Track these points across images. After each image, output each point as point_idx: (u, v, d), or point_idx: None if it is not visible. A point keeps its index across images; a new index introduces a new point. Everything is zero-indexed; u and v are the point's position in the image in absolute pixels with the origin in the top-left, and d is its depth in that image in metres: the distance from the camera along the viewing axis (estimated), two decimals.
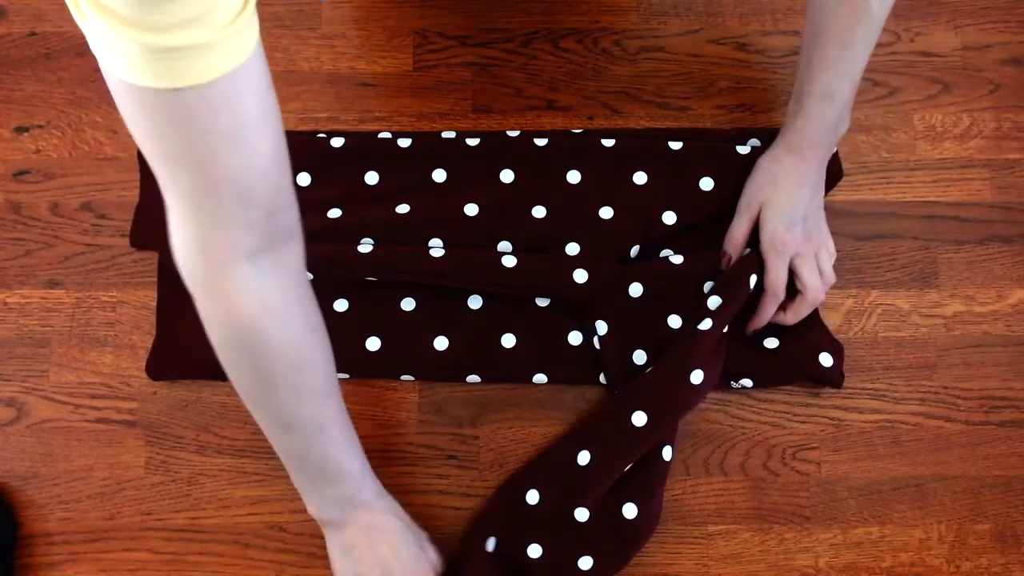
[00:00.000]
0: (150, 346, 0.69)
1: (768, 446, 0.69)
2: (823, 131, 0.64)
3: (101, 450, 0.69)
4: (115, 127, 0.74)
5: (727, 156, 0.70)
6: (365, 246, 0.68)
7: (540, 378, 0.68)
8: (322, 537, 0.67)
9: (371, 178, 0.71)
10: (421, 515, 0.68)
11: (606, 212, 0.70)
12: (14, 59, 0.75)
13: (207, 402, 0.69)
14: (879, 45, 0.75)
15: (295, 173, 0.70)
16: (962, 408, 0.69)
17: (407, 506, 0.68)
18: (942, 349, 0.70)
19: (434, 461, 0.69)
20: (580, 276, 0.67)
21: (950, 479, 0.68)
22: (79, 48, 0.75)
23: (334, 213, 0.70)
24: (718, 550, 0.67)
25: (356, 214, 0.70)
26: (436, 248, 0.68)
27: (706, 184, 0.70)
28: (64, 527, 0.68)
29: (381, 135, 0.72)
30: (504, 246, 0.69)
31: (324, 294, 0.65)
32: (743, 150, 0.70)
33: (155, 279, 0.71)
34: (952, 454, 0.69)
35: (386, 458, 0.69)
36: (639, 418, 0.63)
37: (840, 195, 0.73)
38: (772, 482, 0.68)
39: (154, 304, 0.70)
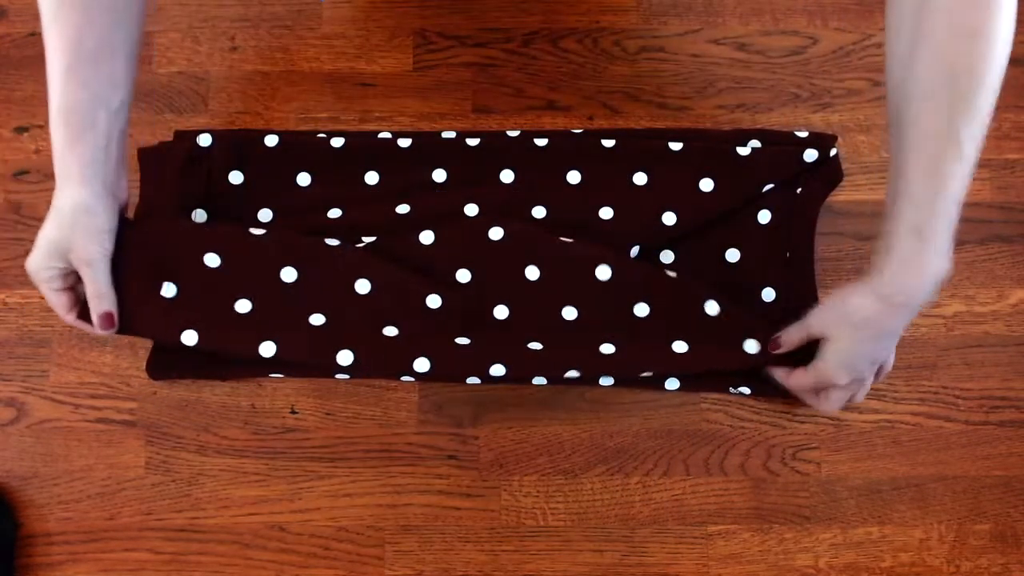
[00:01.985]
0: (150, 346, 0.69)
1: (768, 446, 0.69)
2: (917, 276, 0.53)
3: (101, 450, 0.69)
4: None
5: (727, 157, 0.70)
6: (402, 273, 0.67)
7: (540, 379, 0.68)
8: (322, 537, 0.67)
9: (371, 178, 0.71)
10: (421, 515, 0.68)
11: (606, 212, 0.70)
12: (14, 59, 0.75)
13: (207, 402, 0.69)
14: (879, 45, 0.75)
15: (295, 173, 0.71)
16: (962, 408, 0.69)
17: (407, 506, 0.68)
18: (942, 349, 0.70)
19: (434, 461, 0.69)
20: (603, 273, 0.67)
21: (950, 479, 0.68)
22: None
23: (334, 213, 0.70)
24: (718, 550, 0.68)
25: (356, 214, 0.70)
26: (463, 272, 0.67)
27: (706, 185, 0.70)
28: (64, 527, 0.68)
29: (381, 135, 0.72)
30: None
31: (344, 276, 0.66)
32: (743, 151, 0.70)
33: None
34: (952, 454, 0.69)
35: (386, 458, 0.69)
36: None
37: (840, 195, 0.73)
38: (772, 482, 0.68)
39: None
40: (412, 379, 0.69)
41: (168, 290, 0.64)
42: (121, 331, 0.63)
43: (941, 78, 0.50)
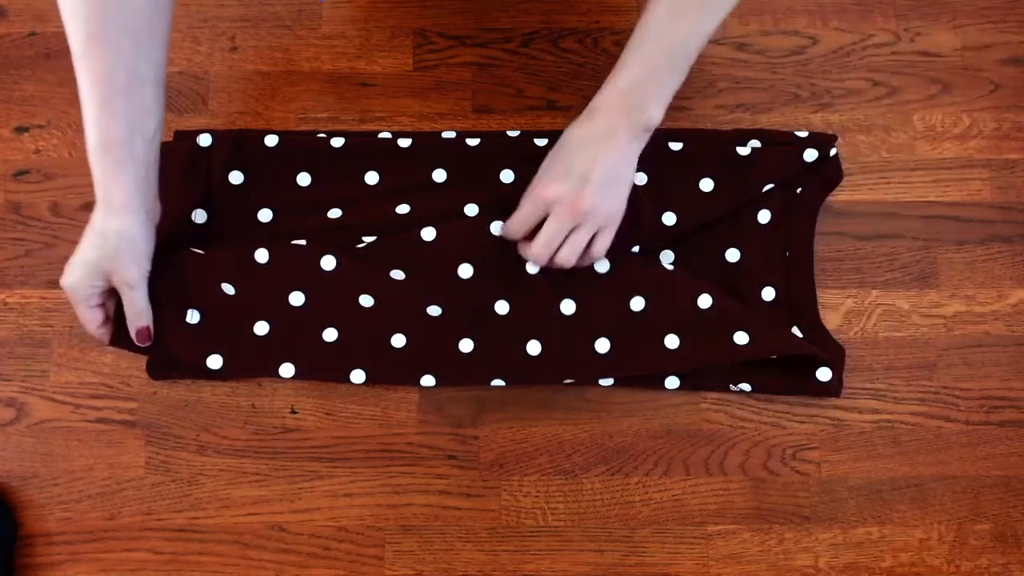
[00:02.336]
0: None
1: (768, 446, 0.69)
2: (624, 96, 0.59)
3: (101, 450, 0.69)
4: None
5: (727, 157, 0.70)
6: (397, 273, 0.68)
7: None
8: (322, 537, 0.67)
9: (371, 178, 0.71)
10: (421, 515, 0.68)
11: None
12: (14, 59, 0.75)
13: (207, 402, 0.69)
14: (879, 45, 0.75)
15: (296, 173, 0.71)
16: (962, 408, 0.69)
17: (407, 506, 0.68)
18: (942, 349, 0.70)
19: (434, 461, 0.69)
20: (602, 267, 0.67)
21: (950, 479, 0.68)
22: None
23: (334, 213, 0.70)
24: (718, 550, 0.67)
25: (356, 214, 0.70)
26: (465, 267, 0.68)
27: (706, 185, 0.70)
28: (64, 527, 0.68)
29: (381, 135, 0.72)
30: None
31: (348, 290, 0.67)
32: (743, 151, 0.70)
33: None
34: (952, 454, 0.69)
35: (386, 458, 0.69)
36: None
37: (840, 195, 0.73)
38: (772, 482, 0.68)
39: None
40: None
41: (193, 317, 0.66)
42: (151, 350, 0.66)
43: None
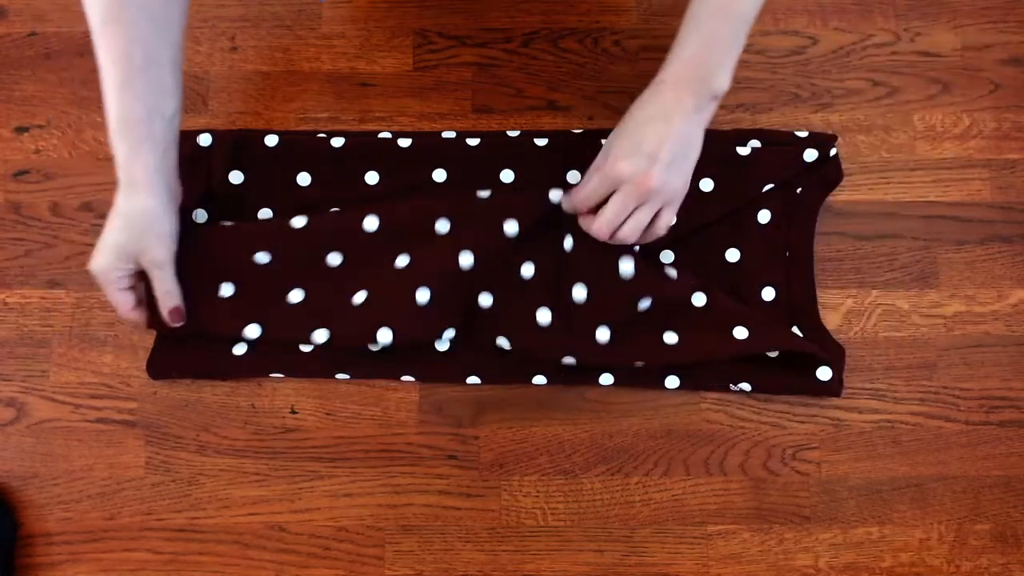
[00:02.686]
0: (150, 346, 0.69)
1: (768, 446, 0.69)
2: (689, 67, 0.59)
3: (101, 450, 0.69)
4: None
5: (727, 157, 0.70)
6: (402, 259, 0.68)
7: (540, 379, 0.68)
8: (322, 537, 0.67)
9: (371, 178, 0.71)
10: (421, 515, 0.68)
11: None
12: (14, 59, 0.75)
13: (207, 402, 0.69)
14: (879, 45, 0.75)
15: (296, 172, 0.71)
16: (962, 408, 0.69)
17: (407, 506, 0.68)
18: (942, 349, 0.70)
19: (434, 461, 0.69)
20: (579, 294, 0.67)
21: (950, 479, 0.68)
22: (79, 48, 0.75)
23: (264, 215, 0.71)
24: (718, 550, 0.67)
25: (356, 214, 0.70)
26: (465, 255, 0.68)
27: (706, 185, 0.70)
28: (64, 527, 0.68)
29: (381, 135, 0.72)
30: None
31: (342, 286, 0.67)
32: (743, 151, 0.70)
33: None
34: (952, 454, 0.69)
35: (386, 458, 0.69)
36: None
37: (840, 195, 0.73)
38: (772, 482, 0.68)
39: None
40: (412, 379, 0.69)
41: (226, 290, 0.67)
42: (186, 328, 0.66)
43: None
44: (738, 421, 0.69)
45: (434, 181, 0.71)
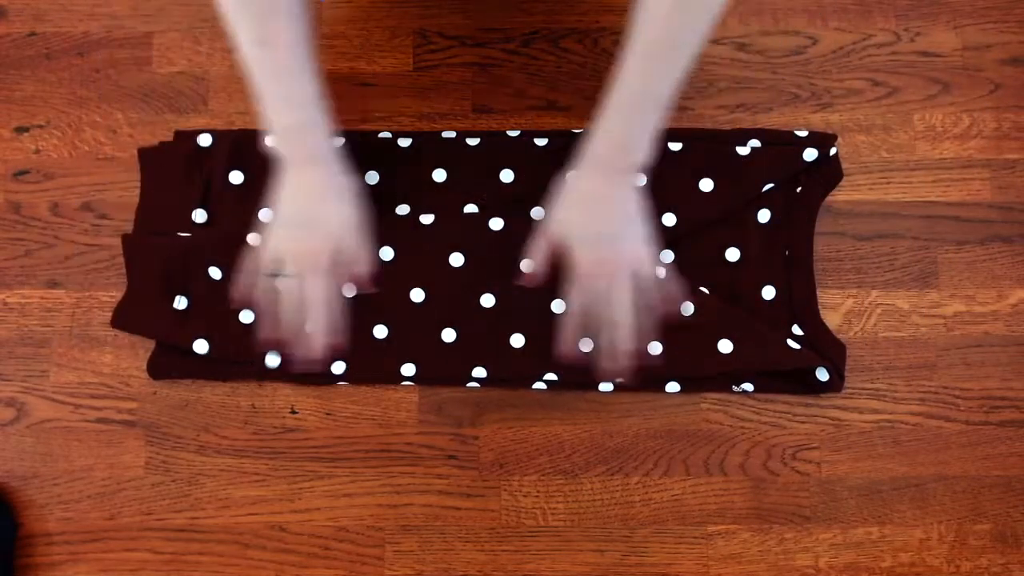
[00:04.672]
0: (150, 346, 0.69)
1: (768, 446, 0.69)
2: (614, 152, 0.61)
3: (101, 450, 0.69)
4: (115, 127, 0.74)
5: (727, 157, 0.70)
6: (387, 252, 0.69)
7: (540, 385, 0.68)
8: (322, 537, 0.67)
9: (371, 178, 0.71)
10: (421, 515, 0.68)
11: None
12: (14, 59, 0.75)
13: (207, 402, 0.69)
14: (879, 45, 0.75)
15: None
16: (962, 408, 0.69)
17: (407, 506, 0.68)
18: (942, 349, 0.70)
19: (434, 461, 0.69)
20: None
21: (950, 479, 0.68)
22: (79, 48, 0.75)
23: (264, 216, 0.71)
24: (718, 550, 0.67)
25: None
26: (456, 255, 0.68)
27: (706, 185, 0.70)
28: (64, 527, 0.68)
29: (381, 135, 0.72)
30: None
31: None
32: (743, 151, 0.70)
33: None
34: (952, 454, 0.69)
35: (386, 458, 0.69)
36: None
37: (840, 195, 0.73)
38: (772, 482, 0.68)
39: None
40: (413, 371, 0.69)
41: (180, 303, 0.68)
42: (134, 332, 0.68)
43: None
44: (738, 421, 0.69)
45: (434, 181, 0.71)
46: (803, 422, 0.69)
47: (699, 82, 0.75)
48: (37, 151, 0.74)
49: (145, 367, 0.69)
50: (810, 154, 0.70)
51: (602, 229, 0.61)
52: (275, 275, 0.62)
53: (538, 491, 0.68)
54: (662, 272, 0.65)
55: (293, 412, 0.69)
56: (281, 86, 0.60)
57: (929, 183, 0.73)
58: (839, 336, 0.70)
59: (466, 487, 0.68)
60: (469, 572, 0.67)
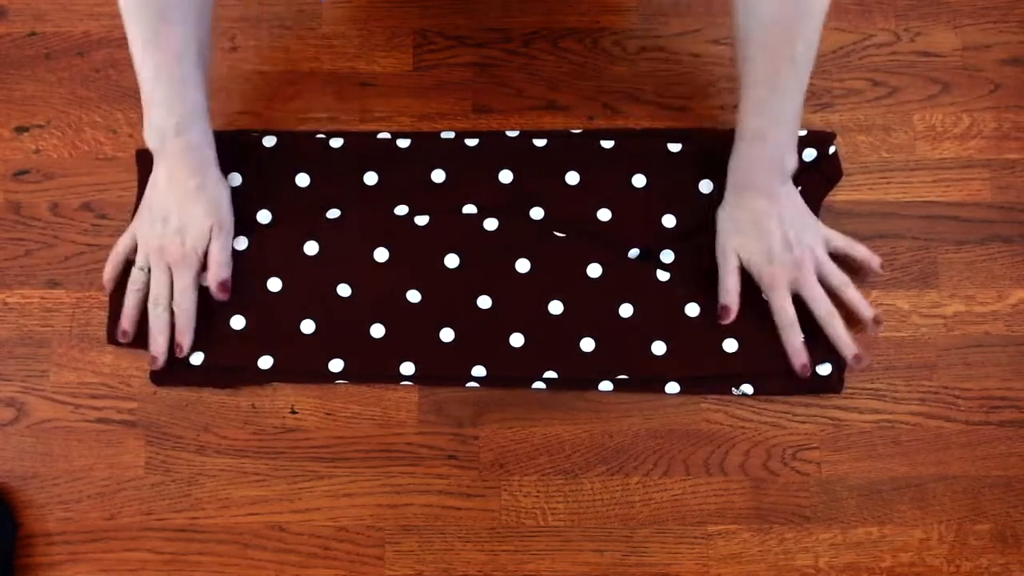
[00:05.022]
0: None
1: (768, 446, 0.69)
2: (765, 171, 0.65)
3: (101, 450, 0.69)
4: (115, 127, 0.74)
5: (727, 157, 0.70)
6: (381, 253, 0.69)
7: (539, 385, 0.68)
8: (322, 537, 0.67)
9: (370, 178, 0.71)
10: (421, 515, 0.68)
11: (604, 214, 0.70)
12: (14, 59, 0.75)
13: (207, 402, 0.69)
14: (879, 45, 0.75)
15: (294, 173, 0.71)
16: (962, 408, 0.69)
17: (407, 506, 0.68)
18: (942, 349, 0.70)
19: (434, 461, 0.69)
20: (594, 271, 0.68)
21: (950, 479, 0.68)
22: (79, 48, 0.75)
23: (333, 213, 0.70)
24: (718, 550, 0.68)
25: (355, 214, 0.70)
26: (452, 256, 0.68)
27: (705, 187, 0.70)
28: (64, 527, 0.68)
29: (380, 135, 0.72)
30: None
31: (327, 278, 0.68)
32: None
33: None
34: (952, 454, 0.69)
35: (386, 458, 0.69)
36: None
37: (840, 195, 0.73)
38: (772, 482, 0.68)
39: None
40: (412, 370, 0.69)
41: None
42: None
43: (778, 11, 0.59)
44: (738, 421, 0.69)
45: (433, 181, 0.71)
46: (803, 422, 0.69)
47: (699, 82, 0.75)
48: (37, 151, 0.74)
49: (147, 373, 0.69)
50: (809, 153, 0.70)
51: (780, 240, 0.65)
52: (131, 264, 0.67)
53: (538, 491, 0.68)
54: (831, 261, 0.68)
55: (293, 412, 0.69)
56: (162, 91, 0.62)
57: (929, 183, 0.73)
58: None
59: (466, 487, 0.68)
60: (469, 572, 0.67)
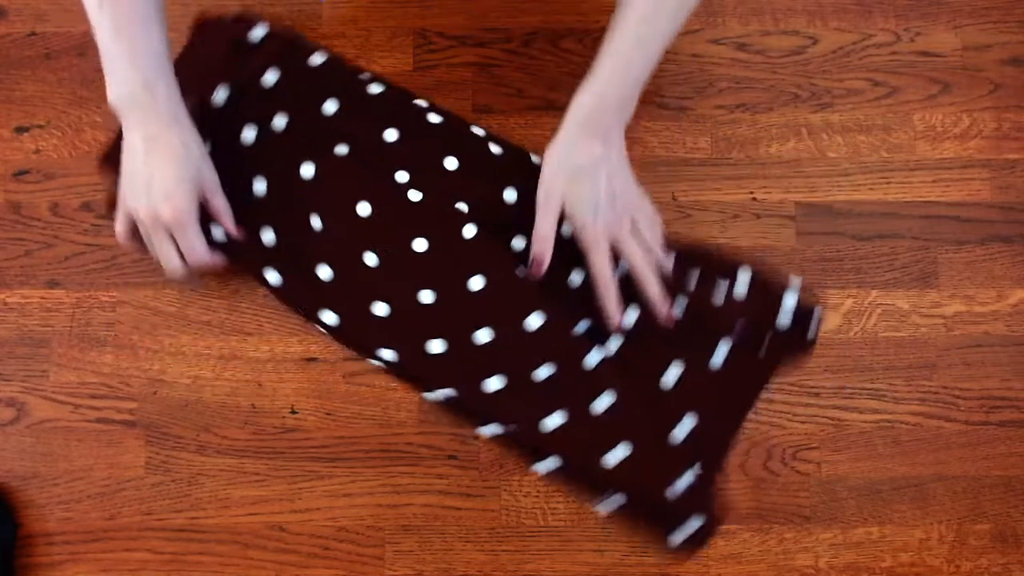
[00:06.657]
0: (151, 346, 0.70)
1: (768, 446, 0.69)
2: (611, 113, 0.63)
3: (101, 450, 0.69)
4: (115, 127, 0.74)
5: (707, 298, 0.68)
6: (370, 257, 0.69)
7: (437, 396, 0.68)
8: (322, 537, 0.67)
9: (390, 135, 0.71)
10: (421, 515, 0.68)
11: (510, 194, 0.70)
12: (14, 59, 0.75)
13: (207, 402, 0.69)
14: (879, 45, 0.75)
15: (325, 98, 0.71)
16: (962, 408, 0.69)
17: (407, 506, 0.68)
18: (942, 349, 0.70)
19: (434, 461, 0.69)
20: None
21: (950, 479, 0.68)
22: (79, 48, 0.75)
23: (341, 149, 0.70)
24: (718, 550, 0.67)
25: (360, 157, 0.70)
26: (420, 241, 0.69)
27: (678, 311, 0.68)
28: (64, 527, 0.68)
29: (417, 101, 0.72)
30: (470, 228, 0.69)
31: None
32: (719, 294, 0.68)
33: (155, 279, 0.71)
34: (952, 454, 0.69)
35: (386, 458, 0.69)
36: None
37: (840, 195, 0.73)
38: (772, 482, 0.68)
39: (154, 304, 0.71)
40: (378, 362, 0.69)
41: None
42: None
43: None
44: None
45: (445, 168, 0.70)
46: (803, 422, 0.69)
47: (699, 82, 0.75)
48: (37, 151, 0.74)
49: (147, 373, 0.69)
50: (785, 317, 0.67)
51: (607, 190, 0.63)
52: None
53: (538, 491, 0.68)
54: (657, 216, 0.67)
55: (293, 412, 0.69)
56: (124, 45, 0.60)
57: (929, 183, 0.73)
58: (839, 336, 0.70)
59: (466, 487, 0.68)
60: (469, 572, 0.67)
